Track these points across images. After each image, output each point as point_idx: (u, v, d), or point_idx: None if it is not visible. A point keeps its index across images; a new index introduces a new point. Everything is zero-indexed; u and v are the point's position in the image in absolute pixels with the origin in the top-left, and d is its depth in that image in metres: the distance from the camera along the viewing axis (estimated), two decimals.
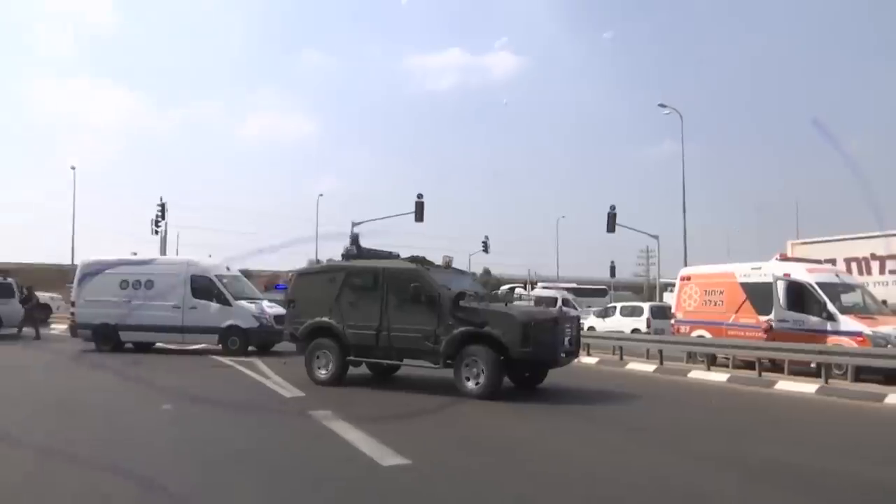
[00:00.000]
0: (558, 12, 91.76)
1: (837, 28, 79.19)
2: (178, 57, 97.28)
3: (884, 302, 15.06)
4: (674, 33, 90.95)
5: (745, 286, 15.82)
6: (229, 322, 16.71)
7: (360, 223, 38.01)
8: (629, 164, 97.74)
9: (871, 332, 13.19)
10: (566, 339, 10.82)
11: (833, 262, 17.27)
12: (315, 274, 12.33)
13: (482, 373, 9.94)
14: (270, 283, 39.48)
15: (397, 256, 12.06)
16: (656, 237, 37.05)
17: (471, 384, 10.01)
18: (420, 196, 33.39)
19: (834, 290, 14.60)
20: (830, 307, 13.94)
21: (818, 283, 14.51)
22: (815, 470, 6.26)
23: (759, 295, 15.24)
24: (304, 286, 12.06)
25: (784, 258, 16.52)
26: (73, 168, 46.97)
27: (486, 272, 52.17)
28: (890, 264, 17.51)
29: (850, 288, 15.26)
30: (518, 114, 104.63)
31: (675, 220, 30.00)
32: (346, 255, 11.97)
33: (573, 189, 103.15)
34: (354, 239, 12.41)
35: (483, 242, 49.10)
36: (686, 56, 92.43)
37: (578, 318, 12.07)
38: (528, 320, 10.04)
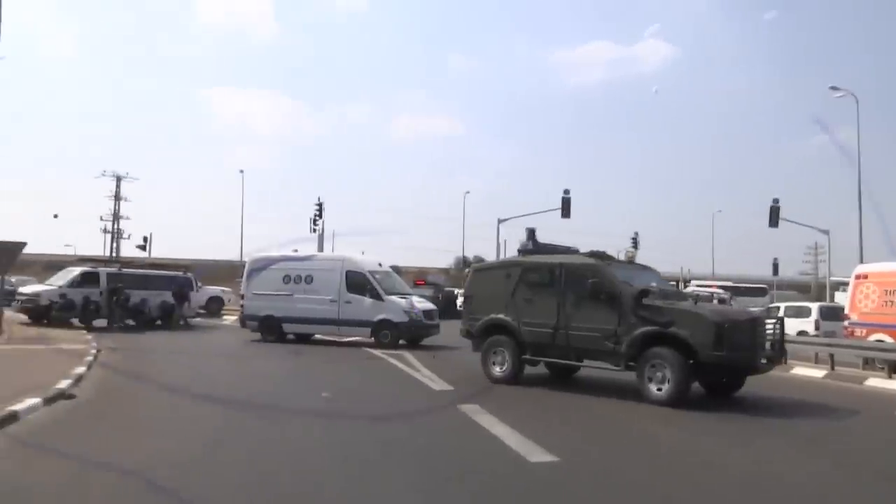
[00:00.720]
0: None
1: None
2: (330, 63, 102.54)
3: None
4: (846, 8, 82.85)
5: None
6: (381, 316, 17.37)
7: (506, 220, 38.33)
8: (795, 155, 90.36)
9: None
10: (766, 343, 9.99)
11: None
12: (491, 269, 12.11)
13: (667, 377, 9.10)
14: (419, 279, 40.75)
15: (576, 252, 11.42)
16: (826, 232, 34.14)
17: (654, 389, 9.24)
18: (567, 192, 32.93)
19: None
20: None
21: None
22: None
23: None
24: (480, 282, 11.83)
25: None
26: (241, 172, 50.80)
27: None
28: None
29: None
30: (671, 104, 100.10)
31: (849, 214, 27.34)
32: (523, 251, 11.66)
33: (731, 183, 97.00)
34: (531, 234, 11.90)
35: (633, 239, 47.62)
36: (861, 34, 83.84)
37: (783, 320, 10.78)
38: (722, 320, 9.13)
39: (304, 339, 18.43)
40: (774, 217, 30.45)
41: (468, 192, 57.27)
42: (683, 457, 6.73)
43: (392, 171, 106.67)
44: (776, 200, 30.53)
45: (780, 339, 10.39)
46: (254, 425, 7.49)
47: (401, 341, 17.17)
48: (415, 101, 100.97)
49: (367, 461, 6.01)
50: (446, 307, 31.17)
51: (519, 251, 11.74)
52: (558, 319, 10.26)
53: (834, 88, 31.82)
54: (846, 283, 19.09)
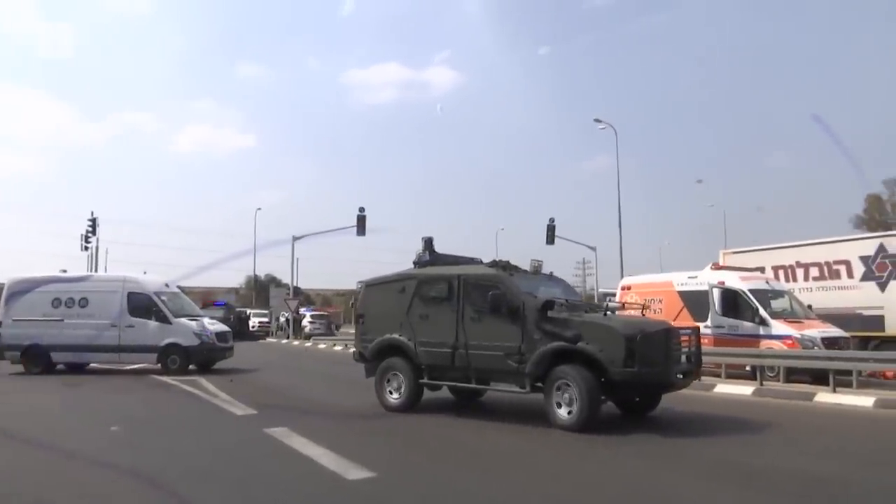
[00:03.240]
0: (497, 27, 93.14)
1: (763, 48, 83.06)
2: (110, 68, 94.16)
3: (809, 306, 15.90)
4: (608, 49, 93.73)
5: (682, 294, 16.45)
6: (169, 340, 16.23)
7: (301, 237, 37.73)
8: (567, 178, 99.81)
9: (799, 336, 13.97)
10: (682, 356, 9.18)
11: (762, 269, 18.12)
12: (384, 284, 10.71)
13: (575, 398, 8.34)
14: (207, 299, 38.58)
15: (480, 262, 10.59)
16: (594, 248, 38.08)
17: (563, 412, 8.42)
18: (362, 210, 33.31)
19: (764, 296, 15.39)
20: (762, 312, 14.67)
21: (750, 290, 15.28)
22: (759, 466, 6.59)
23: (695, 302, 15.89)
24: (372, 298, 10.71)
25: (717, 267, 17.28)
26: None
27: None
28: (813, 271, 18.53)
29: (778, 294, 16.09)
30: (460, 128, 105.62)
31: (612, 232, 31.16)
32: (419, 262, 10.59)
33: (514, 202, 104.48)
34: (428, 243, 10.69)
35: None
36: (620, 72, 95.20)
37: (699, 330, 10.07)
38: (633, 333, 8.33)
39: (77, 369, 16.60)
40: (551, 235, 33.35)
41: (260, 209, 55.37)
42: (515, 465, 6.97)
43: (176, 185, 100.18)
44: (552, 220, 33.51)
45: (697, 352, 9.53)
46: (35, 467, 6.61)
47: (191, 366, 16.17)
48: (203, 112, 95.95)
49: (173, 495, 5.60)
50: (238, 328, 29.85)
51: (414, 263, 10.65)
52: (457, 337, 9.41)
53: (597, 121, 35.79)
54: (613, 294, 21.37)
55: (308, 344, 33.47)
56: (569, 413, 8.39)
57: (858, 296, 17.39)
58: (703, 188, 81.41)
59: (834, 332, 14.46)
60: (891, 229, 34.34)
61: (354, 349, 11.05)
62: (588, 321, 8.80)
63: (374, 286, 10.90)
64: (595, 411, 8.35)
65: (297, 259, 43.10)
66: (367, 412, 10.08)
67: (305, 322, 41.05)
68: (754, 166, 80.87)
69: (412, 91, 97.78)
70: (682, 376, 9.17)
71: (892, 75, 67.48)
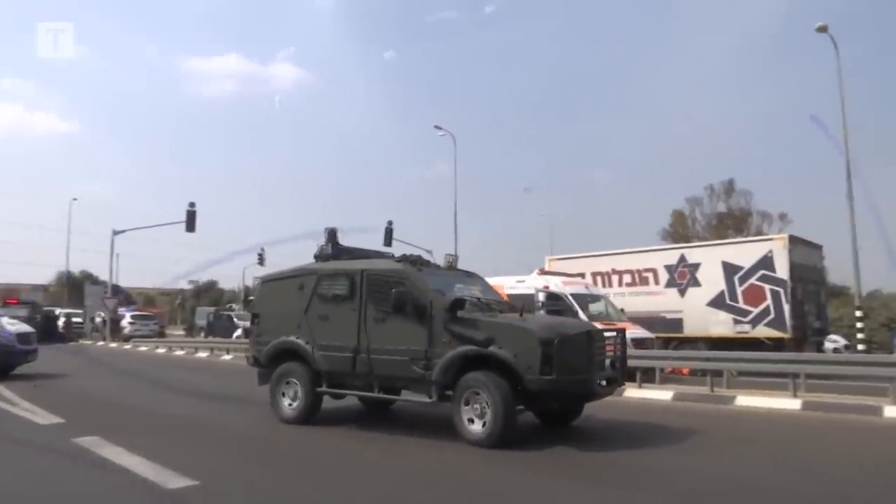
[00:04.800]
0: (345, 26, 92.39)
1: (589, 71, 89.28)
2: None
3: (622, 310, 17.39)
4: (452, 59, 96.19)
5: (511, 297, 17.22)
6: None
7: (122, 231, 35.08)
8: (406, 182, 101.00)
9: None
10: (606, 361, 8.42)
11: (582, 275, 19.58)
12: (281, 280, 9.64)
13: (487, 409, 7.46)
14: (8, 297, 34.74)
15: (392, 257, 9.78)
16: (430, 251, 38.86)
17: (475, 427, 7.54)
18: (192, 205, 31.56)
19: (584, 299, 16.71)
20: (581, 315, 15.81)
21: (571, 294, 16.55)
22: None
23: (523, 305, 16.80)
24: (269, 296, 9.74)
25: (543, 272, 18.44)
26: None
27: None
28: (626, 277, 20.37)
29: (596, 298, 17.53)
30: (298, 124, 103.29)
31: (449, 236, 32.19)
32: (320, 256, 9.57)
33: (354, 203, 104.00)
34: (331, 235, 9.68)
35: (259, 255, 47.62)
36: (462, 81, 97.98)
37: (625, 332, 9.23)
38: (551, 336, 7.45)
39: None
40: (389, 237, 33.59)
41: (76, 199, 50.72)
42: (364, 475, 6.89)
43: None
44: (390, 222, 33.77)
45: (623, 357, 8.81)
46: None
47: None
48: (21, 92, 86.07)
49: None
50: (46, 329, 27.24)
51: (316, 257, 9.64)
52: (359, 340, 8.45)
53: (437, 127, 36.73)
54: None
55: (127, 346, 31.17)
56: (482, 426, 7.49)
57: (663, 300, 19.36)
58: (535, 198, 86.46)
59: (641, 333, 15.92)
60: (691, 241, 38.48)
61: (248, 353, 10.12)
62: (502, 323, 7.92)
63: (270, 282, 10.05)
64: (510, 423, 7.45)
65: (118, 255, 40.04)
66: (193, 419, 9.59)
67: (125, 323, 38.28)
68: (579, 179, 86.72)
69: (253, 85, 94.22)
70: (606, 383, 8.37)
71: (692, 100, 75.48)
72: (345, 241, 9.71)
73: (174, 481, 5.74)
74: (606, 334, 8.64)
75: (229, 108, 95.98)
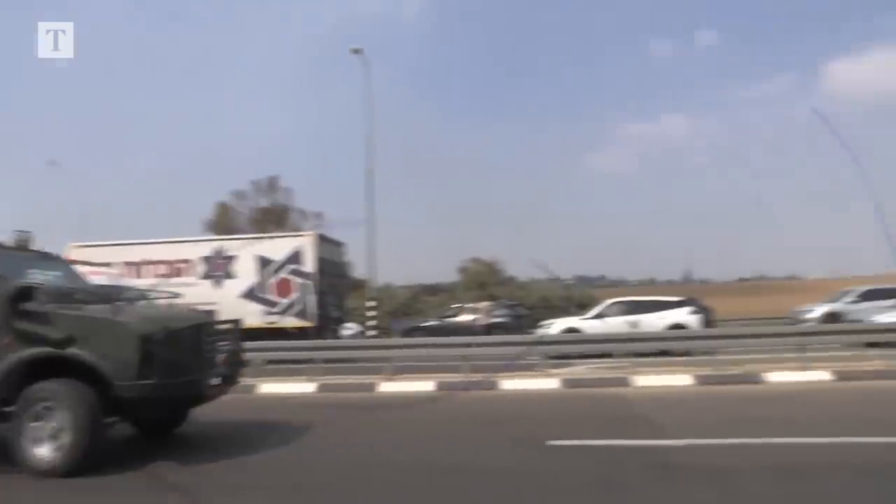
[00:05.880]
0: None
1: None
2: None
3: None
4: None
5: None
6: None
7: None
8: None
9: None
10: (219, 357, 7.05)
11: (109, 265, 18.28)
12: None
13: (64, 429, 5.80)
14: None
15: None
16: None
17: (44, 451, 5.81)
18: None
19: None
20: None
21: None
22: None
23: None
24: None
25: None
26: None
27: None
28: (161, 268, 19.81)
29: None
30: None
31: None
32: None
33: None
34: None
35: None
36: None
37: (239, 322, 7.85)
38: (151, 330, 6.06)
39: None
40: None
41: None
42: None
43: None
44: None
45: (238, 350, 7.63)
46: None
47: None
48: None
49: None
50: None
51: None
52: None
53: None
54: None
55: None
56: (55, 450, 5.86)
57: (200, 292, 19.39)
58: (66, 175, 75.70)
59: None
60: (234, 234, 39.23)
61: None
62: (86, 316, 6.30)
63: None
64: (94, 445, 5.97)
65: None
66: None
67: None
68: (122, 162, 79.70)
69: None
70: (218, 381, 7.04)
71: (246, 100, 76.95)
72: None
73: None
74: (219, 325, 7.56)
75: None
